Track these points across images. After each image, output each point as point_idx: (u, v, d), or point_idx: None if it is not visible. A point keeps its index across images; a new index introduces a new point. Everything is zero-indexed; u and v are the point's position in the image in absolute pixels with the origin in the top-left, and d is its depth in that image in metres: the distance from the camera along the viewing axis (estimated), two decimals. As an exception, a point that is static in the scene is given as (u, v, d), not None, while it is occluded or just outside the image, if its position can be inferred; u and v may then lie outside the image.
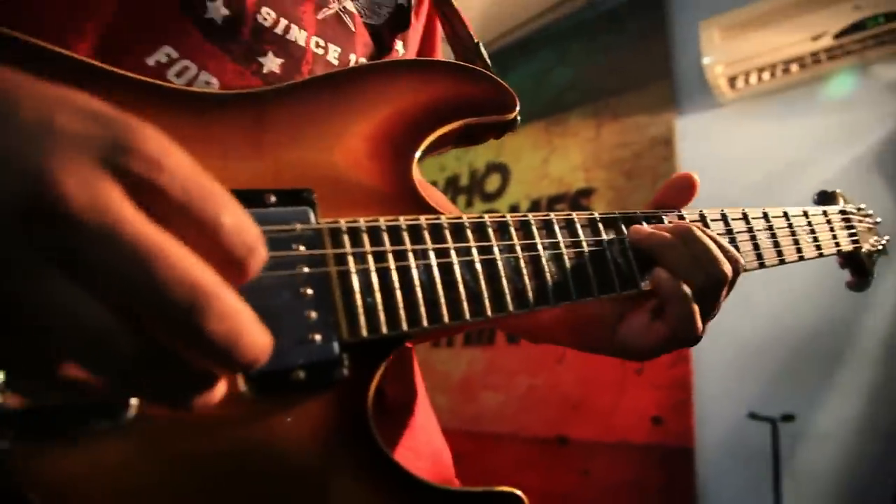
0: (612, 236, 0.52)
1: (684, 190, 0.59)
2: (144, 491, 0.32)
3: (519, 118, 0.57)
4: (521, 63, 3.60)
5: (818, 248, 0.68)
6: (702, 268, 0.51)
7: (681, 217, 0.59)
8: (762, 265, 0.62)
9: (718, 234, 0.58)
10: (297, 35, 0.51)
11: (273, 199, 0.38)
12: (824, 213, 0.72)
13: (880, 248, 0.82)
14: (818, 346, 2.23)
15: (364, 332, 0.38)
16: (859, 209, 0.82)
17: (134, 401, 0.32)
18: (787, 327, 2.26)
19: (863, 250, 0.77)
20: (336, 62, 0.54)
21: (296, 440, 0.36)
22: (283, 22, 0.50)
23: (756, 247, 0.62)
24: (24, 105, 0.23)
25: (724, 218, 0.61)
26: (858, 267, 0.79)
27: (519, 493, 0.41)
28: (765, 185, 2.35)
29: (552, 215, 0.50)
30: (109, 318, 0.23)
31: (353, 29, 0.56)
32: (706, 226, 0.59)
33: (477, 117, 0.52)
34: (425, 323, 0.40)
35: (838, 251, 0.73)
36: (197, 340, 0.23)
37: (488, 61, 0.61)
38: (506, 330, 0.73)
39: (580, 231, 0.51)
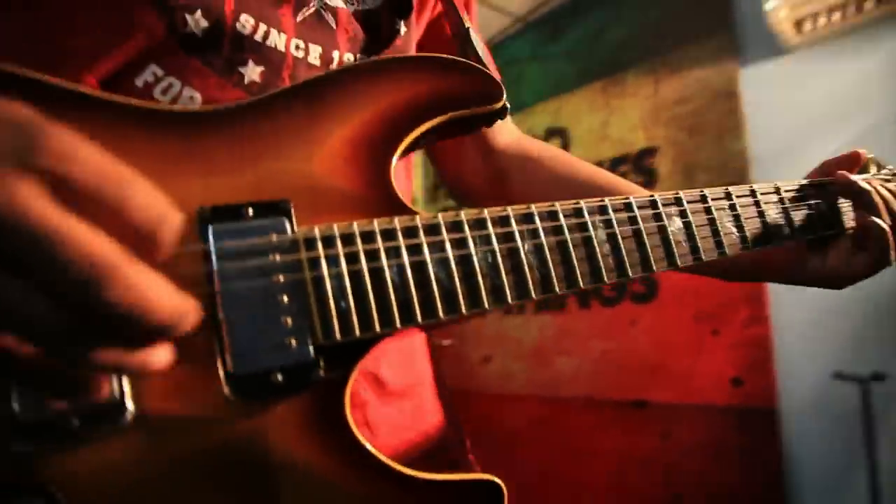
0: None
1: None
2: (148, 482, 0.36)
3: (508, 106, 0.57)
4: (575, 24, 3.49)
5: None
6: (891, 209, 0.65)
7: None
8: None
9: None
10: (277, 40, 0.52)
11: (251, 211, 0.41)
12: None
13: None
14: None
15: (338, 336, 0.40)
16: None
17: (130, 405, 0.36)
18: (871, 283, 2.11)
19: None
20: (318, 62, 0.55)
21: (280, 435, 0.39)
22: (262, 27, 0.52)
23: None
24: None
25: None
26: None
27: (497, 480, 0.43)
28: (836, 133, 2.19)
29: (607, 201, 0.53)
30: (34, 295, 0.26)
31: (333, 26, 0.57)
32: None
33: (460, 111, 0.53)
34: (398, 324, 0.42)
35: None
36: (104, 311, 0.26)
37: (478, 48, 0.61)
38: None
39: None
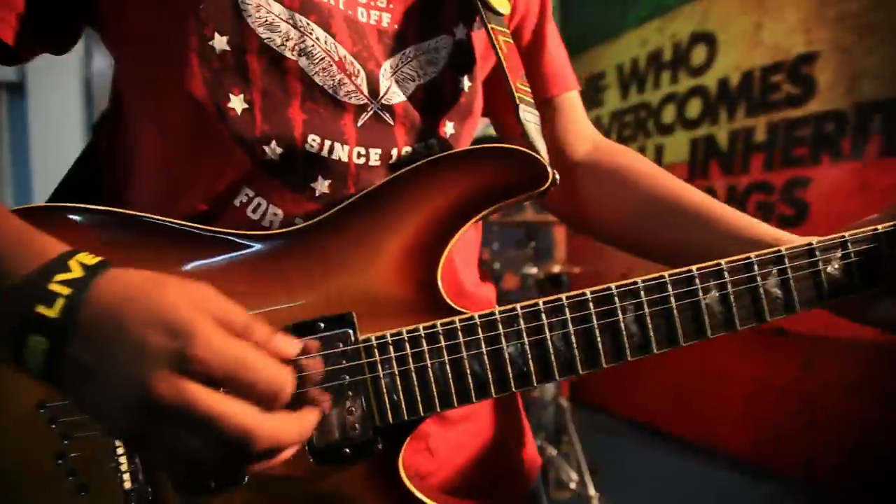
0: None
1: None
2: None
3: (557, 178, 0.62)
4: None
5: None
6: None
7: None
8: None
9: None
10: (341, 153, 0.61)
11: (322, 325, 0.54)
12: None
13: None
14: None
15: (390, 420, 0.53)
16: None
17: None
18: None
19: None
20: (378, 163, 0.62)
21: (350, 489, 0.54)
22: (328, 143, 0.60)
23: None
24: (127, 330, 0.41)
25: None
26: None
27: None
28: None
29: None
30: (205, 447, 0.42)
31: (391, 123, 0.63)
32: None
33: (505, 200, 0.60)
34: (438, 409, 0.54)
35: None
36: (250, 455, 0.43)
37: (527, 126, 0.65)
38: None
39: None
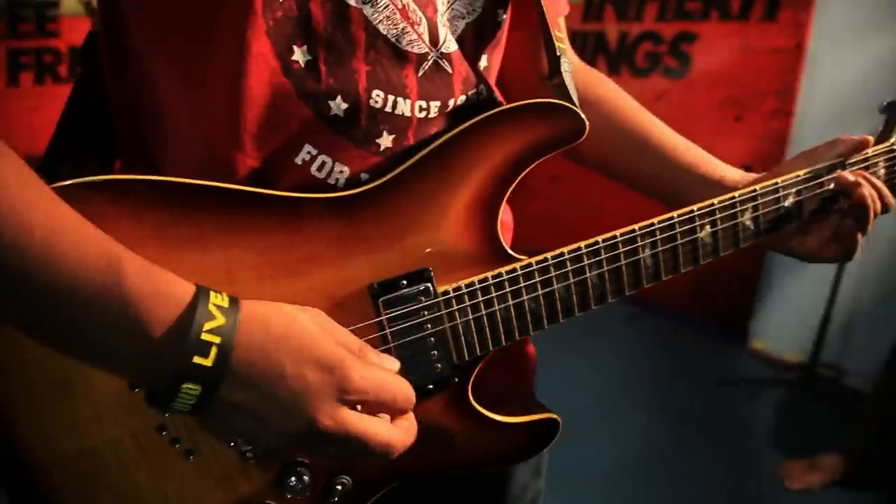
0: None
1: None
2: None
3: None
4: None
5: None
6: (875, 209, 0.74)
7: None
8: None
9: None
10: (403, 107, 0.61)
11: (405, 283, 0.59)
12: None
13: None
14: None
15: (466, 358, 0.62)
16: None
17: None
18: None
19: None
20: (436, 115, 0.63)
21: (430, 411, 0.64)
22: (391, 98, 0.60)
23: None
24: (285, 371, 0.46)
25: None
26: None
27: (556, 417, 0.69)
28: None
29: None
30: (352, 456, 0.51)
31: (450, 71, 0.64)
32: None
33: (553, 151, 0.65)
34: (503, 343, 0.63)
35: None
36: (390, 457, 0.51)
37: (566, 79, 0.68)
38: None
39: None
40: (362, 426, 0.48)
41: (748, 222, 0.74)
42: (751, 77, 2.65)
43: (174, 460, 0.57)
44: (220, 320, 0.45)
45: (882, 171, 0.80)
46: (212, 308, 0.45)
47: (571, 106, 0.65)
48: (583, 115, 0.66)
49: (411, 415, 0.55)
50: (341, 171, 0.61)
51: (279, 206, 0.57)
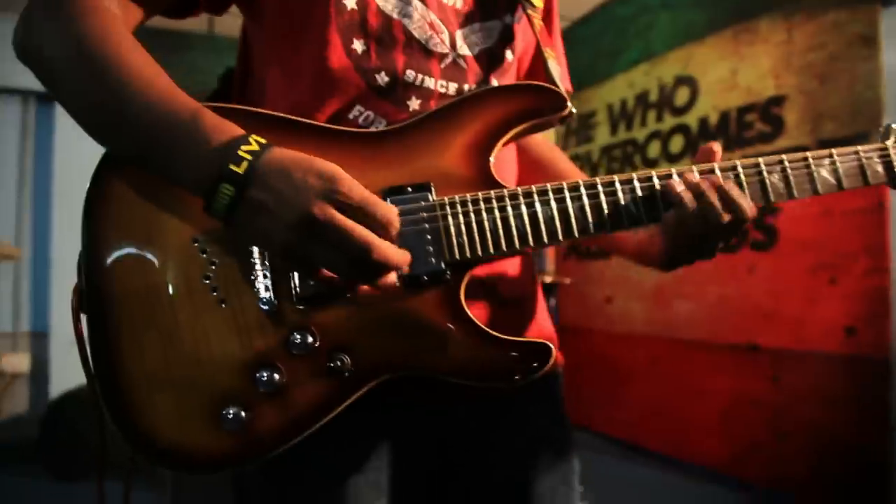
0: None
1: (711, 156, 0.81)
2: (362, 322, 0.73)
3: (574, 111, 0.85)
4: (708, -32, 3.44)
5: (838, 183, 0.84)
6: (703, 216, 0.75)
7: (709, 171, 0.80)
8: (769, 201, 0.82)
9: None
10: (429, 82, 0.84)
11: (409, 189, 0.75)
12: (830, 154, 0.85)
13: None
14: None
15: (457, 256, 0.74)
16: None
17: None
18: None
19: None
20: (454, 92, 0.86)
21: (425, 306, 0.74)
22: (420, 76, 0.84)
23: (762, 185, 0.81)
24: (292, 176, 0.63)
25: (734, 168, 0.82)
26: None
27: (549, 343, 0.74)
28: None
29: (596, 179, 0.79)
30: (343, 256, 0.63)
31: (464, 67, 0.88)
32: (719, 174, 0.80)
33: (536, 119, 0.82)
34: (491, 251, 0.74)
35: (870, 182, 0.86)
36: (371, 260, 0.63)
37: (552, 71, 0.88)
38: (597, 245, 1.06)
39: (619, 188, 0.78)
40: (346, 221, 0.62)
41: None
42: (838, 239, 2.66)
43: (210, 305, 0.72)
44: (254, 146, 0.65)
45: (824, 172, 0.82)
46: (252, 140, 0.66)
47: (553, 87, 0.83)
48: (564, 94, 0.83)
49: (407, 253, 0.68)
50: (381, 123, 0.82)
51: (334, 134, 0.78)
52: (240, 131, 0.67)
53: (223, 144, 0.64)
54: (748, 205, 0.77)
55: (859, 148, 0.88)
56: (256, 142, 0.65)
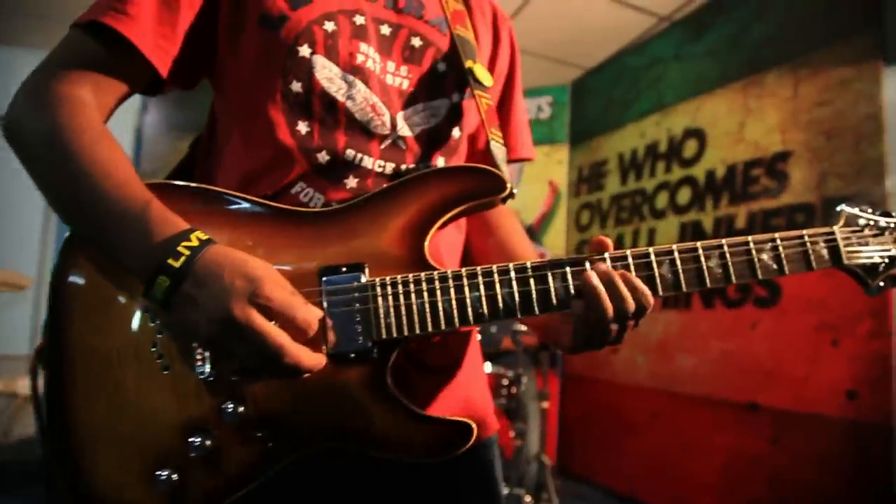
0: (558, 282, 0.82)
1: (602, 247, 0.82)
2: (290, 397, 0.77)
3: (515, 191, 0.89)
4: (717, 23, 3.49)
5: (772, 268, 0.86)
6: (610, 305, 0.77)
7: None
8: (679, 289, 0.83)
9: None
10: (367, 162, 0.88)
11: (344, 269, 0.79)
12: (773, 239, 0.87)
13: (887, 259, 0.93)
14: None
15: (384, 335, 0.77)
16: (873, 219, 0.93)
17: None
18: None
19: (851, 262, 0.91)
20: (391, 172, 0.89)
21: (351, 382, 0.77)
22: (359, 156, 0.88)
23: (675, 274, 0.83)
24: (221, 277, 0.67)
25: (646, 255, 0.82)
26: (855, 276, 0.94)
27: (470, 423, 0.77)
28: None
29: (503, 268, 0.82)
30: (252, 353, 0.67)
31: (404, 148, 0.91)
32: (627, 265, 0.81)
33: (475, 201, 0.86)
34: (417, 331, 0.78)
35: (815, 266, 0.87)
36: (282, 363, 0.67)
37: (495, 154, 0.93)
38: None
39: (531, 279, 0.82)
40: (263, 325, 0.66)
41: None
42: (842, 301, 2.62)
43: (156, 371, 0.77)
44: (194, 243, 0.70)
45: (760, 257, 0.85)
46: (192, 236, 0.71)
47: (493, 169, 0.87)
48: (505, 177, 0.87)
49: (321, 356, 0.72)
50: (319, 198, 0.87)
51: (279, 213, 0.83)
52: (184, 226, 0.72)
53: (165, 240, 0.70)
54: (649, 297, 0.79)
55: (805, 232, 0.91)
56: (198, 238, 0.71)
